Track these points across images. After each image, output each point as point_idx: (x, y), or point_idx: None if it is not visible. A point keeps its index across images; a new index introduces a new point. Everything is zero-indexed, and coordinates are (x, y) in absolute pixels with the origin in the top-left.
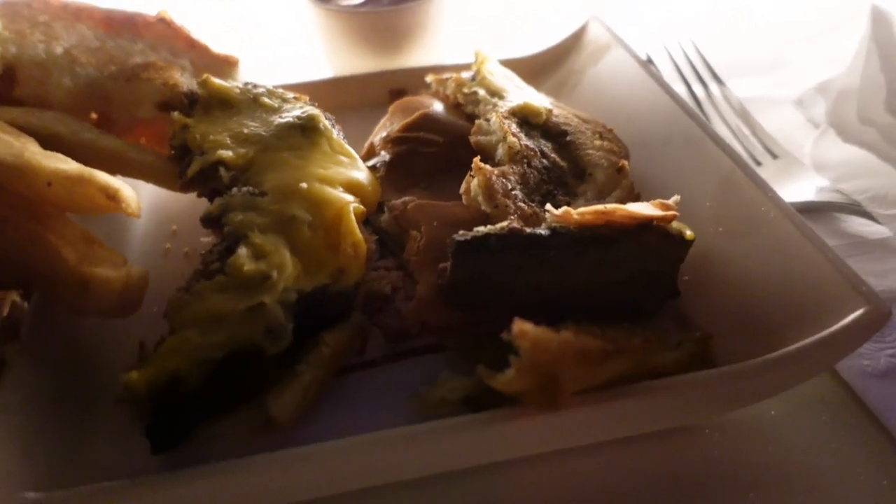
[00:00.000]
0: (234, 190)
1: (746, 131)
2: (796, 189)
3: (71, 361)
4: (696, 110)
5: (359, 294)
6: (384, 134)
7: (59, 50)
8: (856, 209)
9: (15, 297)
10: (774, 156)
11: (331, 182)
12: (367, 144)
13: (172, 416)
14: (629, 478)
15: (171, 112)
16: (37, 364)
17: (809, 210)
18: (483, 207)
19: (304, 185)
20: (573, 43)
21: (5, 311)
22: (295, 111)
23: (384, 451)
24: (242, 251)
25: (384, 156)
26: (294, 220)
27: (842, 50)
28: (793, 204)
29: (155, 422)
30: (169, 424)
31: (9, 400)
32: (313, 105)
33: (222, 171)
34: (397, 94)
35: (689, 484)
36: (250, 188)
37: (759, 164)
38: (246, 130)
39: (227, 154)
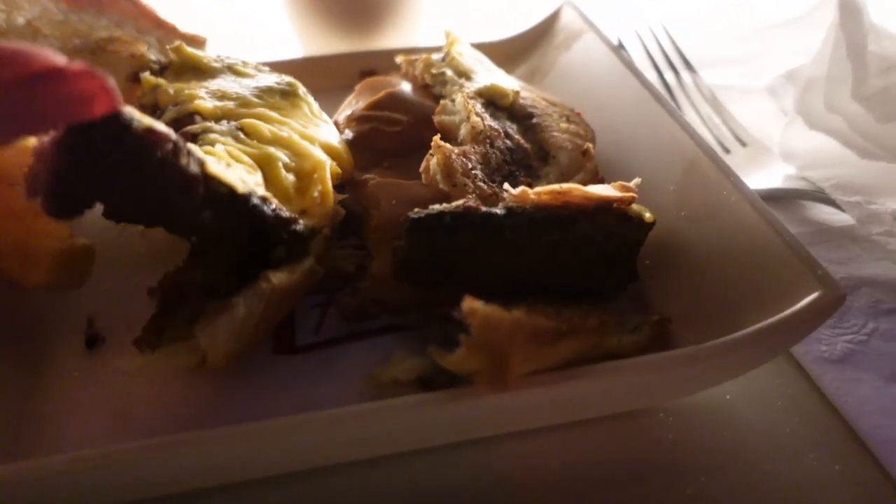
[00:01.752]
0: (221, 123)
1: (717, 119)
2: (764, 177)
3: (17, 336)
4: (666, 97)
5: (315, 246)
6: (349, 112)
7: (20, 21)
8: (821, 196)
9: None
10: (744, 143)
11: (311, 140)
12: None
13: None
14: (581, 460)
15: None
16: None
17: (775, 197)
18: (441, 186)
19: (285, 134)
20: (546, 27)
21: None
22: (273, 78)
23: (332, 429)
24: (220, 149)
25: (348, 134)
26: (272, 158)
27: (812, 39)
28: (759, 191)
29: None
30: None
31: None
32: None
33: (198, 119)
34: (368, 75)
35: (642, 467)
36: (235, 124)
37: (728, 151)
38: (223, 88)
39: (203, 105)
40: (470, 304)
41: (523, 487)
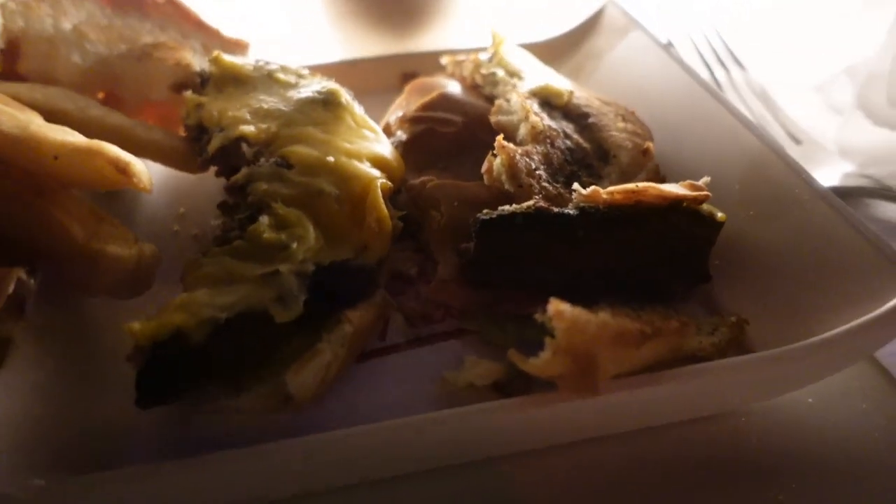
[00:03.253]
0: (262, 160)
1: (769, 117)
2: (822, 174)
3: (79, 342)
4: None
5: (383, 272)
6: (401, 113)
7: (67, 25)
8: (886, 193)
9: (21, 273)
10: (798, 141)
11: (357, 156)
12: (382, 123)
13: (168, 370)
14: (662, 464)
15: (182, 93)
16: (43, 343)
17: (839, 195)
18: (506, 187)
19: (330, 158)
20: (591, 26)
21: (10, 289)
22: (314, 86)
23: (411, 436)
24: (264, 219)
25: (401, 135)
26: (321, 194)
27: (866, 34)
28: None
29: (148, 372)
30: (162, 378)
31: (15, 381)
32: (330, 80)
33: (244, 146)
34: (410, 77)
35: (723, 471)
36: (277, 159)
37: None
38: (265, 106)
39: (248, 129)
40: (557, 306)
41: (612, 487)
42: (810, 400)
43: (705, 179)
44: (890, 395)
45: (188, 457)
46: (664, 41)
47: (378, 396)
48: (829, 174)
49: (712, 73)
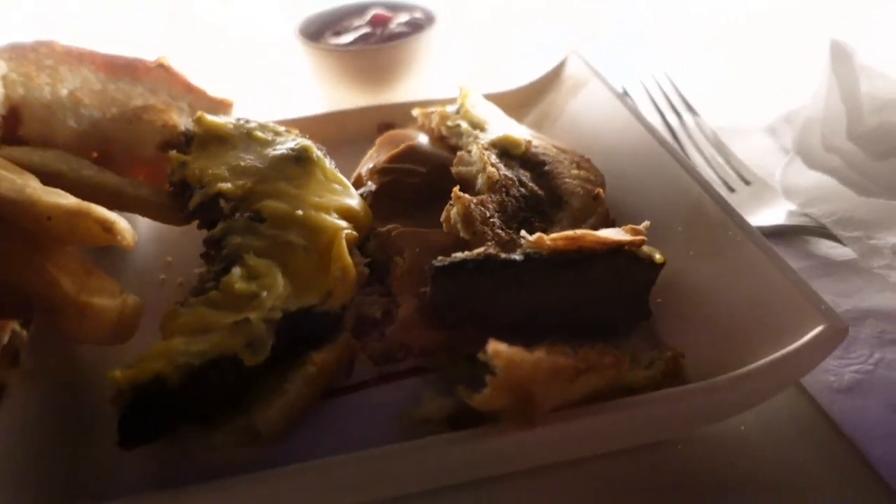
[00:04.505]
0: (237, 215)
1: (720, 159)
2: (768, 214)
3: (68, 386)
4: (670, 140)
5: (347, 316)
6: (371, 165)
7: (63, 92)
8: (823, 232)
9: (15, 325)
10: (747, 182)
11: (325, 209)
12: (354, 175)
13: (147, 413)
14: (602, 492)
15: (168, 152)
16: (35, 389)
17: (780, 234)
18: (462, 234)
19: (300, 212)
20: (554, 77)
21: (5, 339)
22: (288, 143)
23: (370, 467)
24: (236, 271)
25: (370, 185)
26: (289, 245)
27: (807, 80)
28: (763, 228)
29: (129, 415)
30: (142, 421)
31: (7, 423)
32: (304, 137)
33: (222, 202)
34: (386, 127)
35: (661, 498)
36: (251, 214)
37: (732, 190)
38: (242, 163)
39: (226, 186)
40: (494, 346)
41: None
42: (742, 427)
43: (645, 224)
44: (817, 420)
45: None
46: (620, 89)
47: (342, 431)
48: (775, 213)
49: (665, 119)
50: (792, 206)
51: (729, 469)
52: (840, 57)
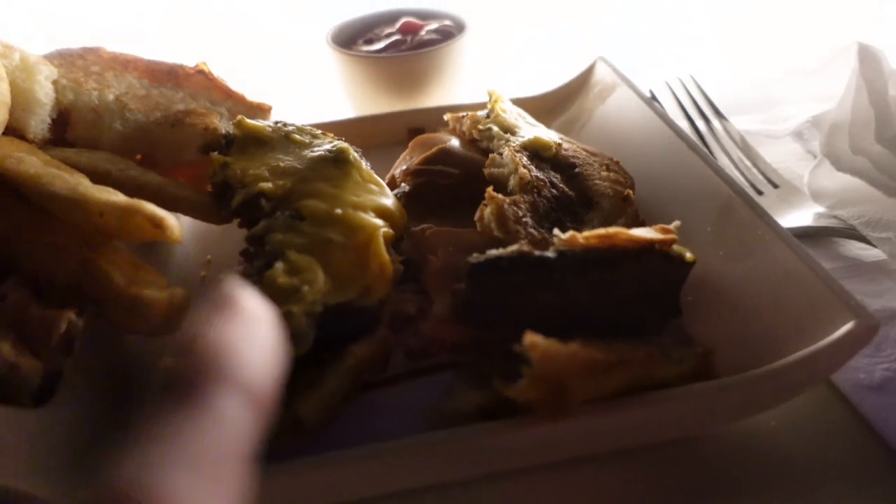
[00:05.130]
0: (278, 213)
1: (748, 163)
2: (796, 216)
3: (116, 373)
4: (699, 143)
5: (384, 311)
6: (404, 167)
7: (110, 97)
8: (852, 233)
9: (71, 315)
10: (775, 185)
11: (363, 208)
12: (388, 176)
13: None
14: (630, 486)
15: (210, 154)
16: (86, 376)
17: (808, 235)
18: (495, 233)
19: (339, 210)
20: (581, 82)
21: (63, 328)
22: (325, 145)
23: (405, 457)
24: (279, 266)
25: (404, 187)
26: (329, 242)
27: (833, 86)
28: (792, 229)
29: None
30: None
31: (63, 409)
32: (341, 139)
33: (263, 201)
34: (416, 132)
35: (689, 493)
36: (291, 212)
37: (760, 193)
38: (282, 164)
39: (266, 186)
40: (531, 338)
41: None
42: (773, 423)
43: (676, 223)
44: (847, 417)
45: None
46: (648, 93)
47: (378, 422)
48: (803, 215)
49: (693, 124)
50: (820, 209)
51: (757, 464)
52: (868, 60)
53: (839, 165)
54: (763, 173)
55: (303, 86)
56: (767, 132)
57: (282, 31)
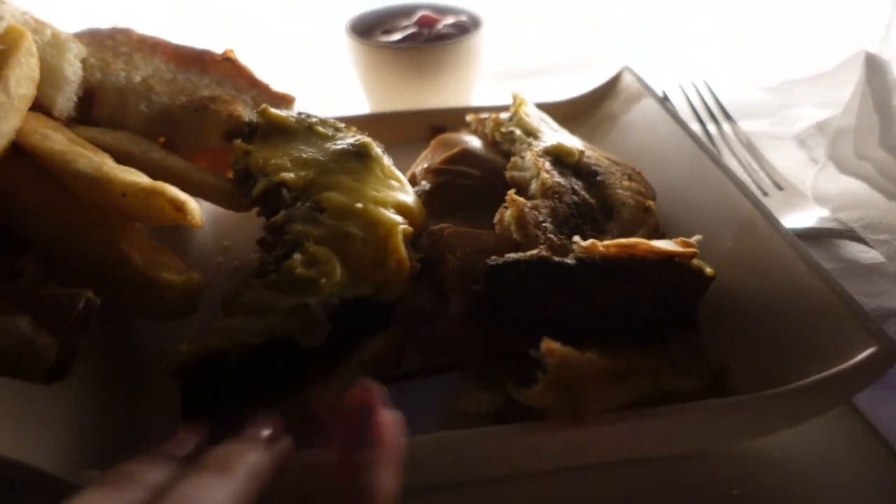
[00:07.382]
0: (298, 204)
1: (755, 165)
2: (799, 218)
3: (128, 356)
4: (716, 152)
5: (400, 308)
6: (426, 165)
7: (137, 79)
8: (852, 235)
9: (89, 293)
10: (780, 187)
11: (383, 203)
12: (408, 174)
13: (209, 386)
14: (641, 498)
15: (232, 141)
16: (100, 356)
17: (810, 236)
18: (514, 236)
19: (359, 204)
20: (607, 90)
21: (80, 306)
22: (348, 139)
23: (414, 455)
24: (297, 256)
25: (425, 185)
26: (348, 236)
27: (839, 93)
28: (795, 230)
29: (193, 386)
30: (204, 392)
31: (79, 388)
32: (364, 134)
33: (284, 191)
34: (438, 130)
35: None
36: (312, 203)
37: (766, 194)
38: (304, 155)
39: (288, 176)
40: (548, 344)
41: None
42: (791, 441)
43: (697, 237)
44: (868, 440)
45: None
46: (661, 95)
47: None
48: (806, 217)
49: (704, 127)
50: (822, 212)
51: (771, 481)
52: (874, 69)
53: (843, 169)
54: (769, 176)
55: (319, 81)
56: (773, 134)
57: (297, 26)
